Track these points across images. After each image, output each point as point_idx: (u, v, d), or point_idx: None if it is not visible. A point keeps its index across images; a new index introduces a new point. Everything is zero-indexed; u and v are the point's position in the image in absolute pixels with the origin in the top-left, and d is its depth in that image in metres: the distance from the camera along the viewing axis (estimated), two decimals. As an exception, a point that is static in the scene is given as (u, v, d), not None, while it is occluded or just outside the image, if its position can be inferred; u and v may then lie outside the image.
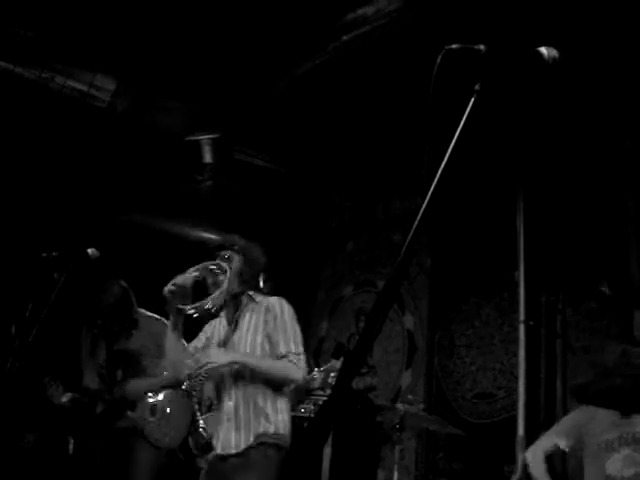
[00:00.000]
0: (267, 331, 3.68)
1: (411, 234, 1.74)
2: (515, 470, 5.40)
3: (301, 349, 3.67)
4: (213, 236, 6.85)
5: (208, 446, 3.88)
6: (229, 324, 3.87)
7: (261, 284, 4.01)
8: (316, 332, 7.46)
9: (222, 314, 3.94)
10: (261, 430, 3.56)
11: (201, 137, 5.84)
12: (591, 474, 4.22)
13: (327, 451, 5.60)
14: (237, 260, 3.88)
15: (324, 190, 7.57)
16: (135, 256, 6.18)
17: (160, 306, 4.56)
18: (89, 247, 3.96)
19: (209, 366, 3.49)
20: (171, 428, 4.50)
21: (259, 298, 3.84)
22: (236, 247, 3.91)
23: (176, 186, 6.58)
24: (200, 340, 3.96)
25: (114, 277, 4.74)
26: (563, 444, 4.44)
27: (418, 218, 1.77)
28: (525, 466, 5.26)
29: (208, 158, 6.13)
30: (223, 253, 3.87)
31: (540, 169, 5.83)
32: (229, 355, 3.58)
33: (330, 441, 5.49)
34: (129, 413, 4.47)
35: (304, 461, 1.55)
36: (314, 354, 7.13)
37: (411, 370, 6.51)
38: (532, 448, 4.59)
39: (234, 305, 3.86)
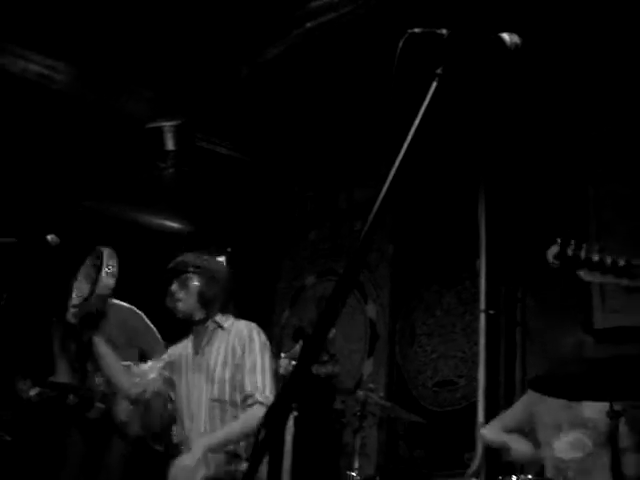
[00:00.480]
0: (236, 361, 3.48)
1: (370, 220, 1.73)
2: (475, 457, 5.46)
3: (269, 384, 3.47)
4: (175, 224, 6.81)
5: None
6: (195, 353, 3.65)
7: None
8: (278, 321, 7.45)
9: (189, 339, 3.76)
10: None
11: (163, 124, 5.79)
12: (543, 456, 4.29)
13: (288, 438, 5.60)
14: (195, 281, 3.67)
15: (286, 179, 7.55)
16: (97, 243, 6.11)
17: (127, 294, 4.54)
18: (49, 234, 3.88)
19: None
20: (143, 420, 4.46)
21: (227, 323, 3.63)
22: (191, 268, 3.69)
23: (138, 173, 6.52)
24: (161, 361, 3.81)
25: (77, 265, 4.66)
26: (516, 424, 4.52)
27: (377, 205, 1.77)
28: (485, 452, 5.34)
29: (170, 145, 6.09)
30: (181, 277, 3.67)
31: (502, 158, 5.87)
32: (193, 459, 3.26)
33: (292, 428, 5.48)
34: (98, 404, 4.43)
35: (266, 445, 1.54)
36: (277, 343, 7.12)
37: (373, 359, 6.54)
38: (488, 428, 4.66)
39: (199, 332, 3.66)
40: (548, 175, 5.74)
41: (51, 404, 4.46)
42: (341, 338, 6.47)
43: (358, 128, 6.38)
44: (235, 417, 3.45)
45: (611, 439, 3.55)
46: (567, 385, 3.58)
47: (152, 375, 3.72)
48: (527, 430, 4.44)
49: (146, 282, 3.84)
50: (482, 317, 5.66)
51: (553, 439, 4.30)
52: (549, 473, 4.13)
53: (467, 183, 6.05)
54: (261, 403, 3.35)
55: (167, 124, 5.82)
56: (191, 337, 3.70)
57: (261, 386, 3.40)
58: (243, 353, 3.46)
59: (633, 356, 3.57)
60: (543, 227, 5.70)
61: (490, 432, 4.63)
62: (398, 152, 1.76)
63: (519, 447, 4.29)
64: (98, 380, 4.44)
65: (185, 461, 3.27)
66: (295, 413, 5.72)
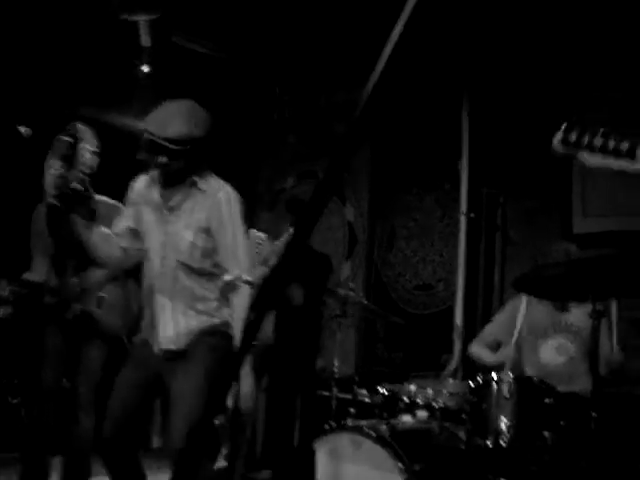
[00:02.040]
0: (212, 230, 3.27)
1: (353, 124, 1.64)
2: (451, 359, 5.54)
3: (249, 261, 3.36)
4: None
5: None
6: (168, 209, 3.34)
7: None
8: (257, 225, 7.38)
9: (146, 194, 3.43)
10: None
11: (139, 18, 5.57)
12: (527, 361, 4.35)
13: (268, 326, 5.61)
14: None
15: (265, 80, 7.38)
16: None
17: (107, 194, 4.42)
18: (20, 125, 3.72)
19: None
20: (118, 318, 4.42)
21: (205, 186, 3.32)
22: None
23: (113, 72, 6.32)
24: (122, 224, 3.51)
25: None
26: (501, 336, 4.57)
27: (360, 109, 1.67)
28: (462, 355, 5.40)
29: (146, 41, 5.87)
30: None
31: (487, 60, 5.74)
32: (248, 381, 3.19)
33: (273, 326, 5.49)
34: (75, 304, 4.38)
35: (255, 327, 1.50)
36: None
37: (351, 262, 6.54)
38: (474, 342, 4.70)
39: (172, 187, 3.34)
40: (533, 78, 5.63)
41: (27, 303, 4.40)
42: (319, 241, 6.43)
43: (341, 28, 6.19)
44: (197, 283, 3.32)
45: (592, 340, 3.57)
46: (551, 285, 3.59)
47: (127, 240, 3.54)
48: (509, 339, 4.49)
49: (122, 184, 3.69)
50: (462, 220, 5.65)
51: (538, 345, 4.35)
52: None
53: (450, 85, 5.94)
54: (249, 282, 3.28)
55: (142, 18, 5.59)
56: (158, 186, 3.39)
57: (245, 265, 3.30)
58: (221, 223, 3.28)
59: (615, 255, 3.58)
60: (526, 131, 5.63)
61: (474, 348, 4.67)
62: (381, 54, 1.66)
63: (497, 359, 4.37)
64: (74, 281, 4.38)
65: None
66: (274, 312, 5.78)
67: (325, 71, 7.07)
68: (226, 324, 3.30)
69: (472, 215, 5.65)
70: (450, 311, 5.76)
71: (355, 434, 3.54)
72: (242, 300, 3.25)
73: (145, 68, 6.29)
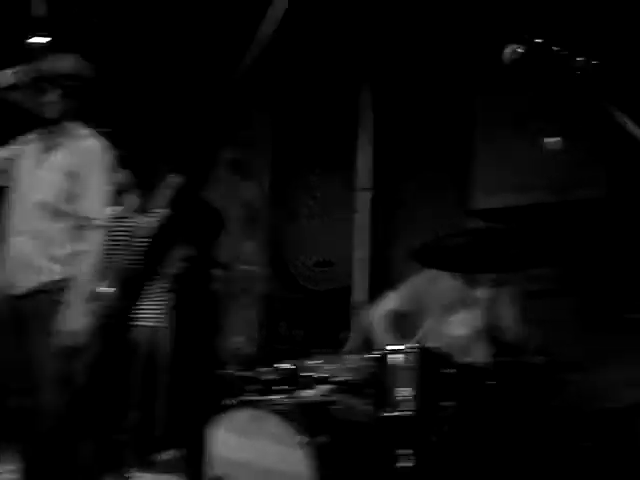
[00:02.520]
0: (80, 175, 3.36)
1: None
2: (351, 335, 5.54)
3: (104, 210, 3.44)
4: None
5: None
6: (39, 151, 3.46)
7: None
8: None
9: (32, 139, 3.52)
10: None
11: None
12: (431, 333, 4.37)
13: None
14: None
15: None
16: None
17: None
18: None
19: None
20: None
21: (78, 132, 3.46)
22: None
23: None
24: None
25: None
26: (403, 306, 4.57)
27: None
28: (363, 329, 5.41)
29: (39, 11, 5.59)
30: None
31: (390, 39, 5.73)
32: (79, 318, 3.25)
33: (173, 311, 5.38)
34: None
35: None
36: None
37: (252, 240, 6.45)
38: (374, 310, 4.70)
39: (49, 131, 3.45)
40: (434, 53, 5.66)
41: None
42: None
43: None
44: (57, 224, 3.35)
45: (492, 310, 3.62)
46: (450, 257, 3.61)
47: None
48: (416, 310, 4.51)
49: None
50: (363, 196, 5.64)
51: (445, 318, 4.39)
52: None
53: (351, 61, 5.91)
54: (100, 226, 3.36)
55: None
56: (39, 134, 3.50)
57: (102, 212, 3.40)
58: (89, 171, 3.37)
59: (516, 227, 3.63)
60: (428, 108, 5.68)
61: (373, 316, 4.67)
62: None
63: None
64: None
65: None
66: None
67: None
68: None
69: (372, 191, 5.66)
70: (350, 288, 5.76)
71: (256, 409, 3.49)
72: (91, 244, 3.33)
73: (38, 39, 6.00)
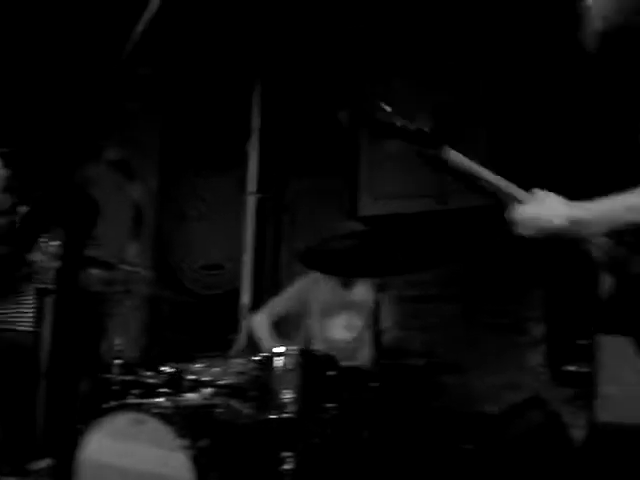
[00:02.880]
0: None
1: None
2: (238, 338, 5.52)
3: None
4: None
5: None
6: None
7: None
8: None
9: None
10: None
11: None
12: (316, 338, 4.42)
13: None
14: None
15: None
16: None
17: None
18: None
19: None
20: None
21: None
22: None
23: None
24: None
25: None
26: (286, 311, 4.60)
27: None
28: (248, 333, 5.40)
29: None
30: None
31: (278, 43, 5.75)
32: None
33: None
34: None
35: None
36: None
37: (137, 241, 6.33)
38: (258, 314, 4.70)
39: None
40: (321, 59, 5.71)
41: None
42: (104, 219, 6.18)
43: None
44: None
45: (374, 314, 3.67)
46: (336, 260, 3.64)
47: None
48: (301, 313, 4.54)
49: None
50: (251, 200, 5.64)
51: (326, 322, 4.43)
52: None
53: (241, 65, 5.89)
54: None
55: None
56: None
57: None
58: None
59: (400, 231, 3.69)
60: (314, 112, 5.72)
61: (257, 320, 4.68)
62: None
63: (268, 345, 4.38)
64: None
65: None
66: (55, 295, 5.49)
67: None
68: None
69: (260, 195, 5.66)
70: (237, 291, 5.73)
71: (136, 412, 3.41)
72: None
73: None
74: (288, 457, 3.39)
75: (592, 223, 1.88)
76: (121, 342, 4.48)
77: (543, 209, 1.97)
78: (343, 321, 4.44)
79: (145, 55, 5.41)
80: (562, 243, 2.04)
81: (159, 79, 6.08)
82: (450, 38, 5.29)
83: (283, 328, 4.82)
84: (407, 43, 5.43)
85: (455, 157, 2.04)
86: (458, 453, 4.41)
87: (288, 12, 5.55)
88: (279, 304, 4.68)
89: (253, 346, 5.26)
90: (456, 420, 5.05)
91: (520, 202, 2.01)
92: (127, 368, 4.31)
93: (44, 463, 5.17)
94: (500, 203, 2.05)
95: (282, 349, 3.57)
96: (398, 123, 2.00)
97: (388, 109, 2.05)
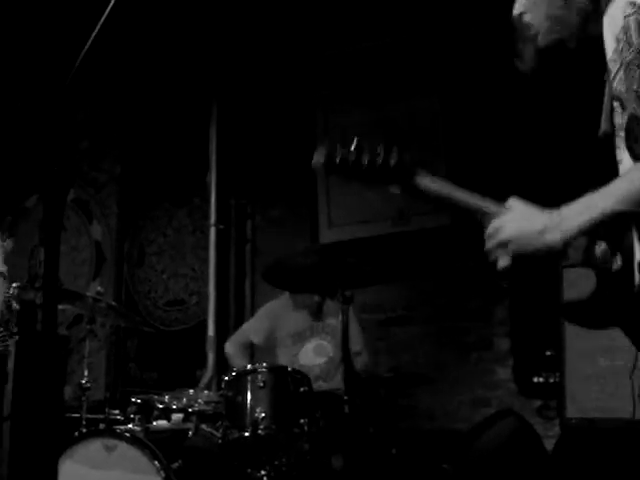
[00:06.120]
0: None
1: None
2: (205, 372, 5.48)
3: None
4: None
5: None
6: None
7: None
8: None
9: None
10: None
11: None
12: (285, 364, 4.39)
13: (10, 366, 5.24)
14: None
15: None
16: None
17: None
18: None
19: None
20: None
21: None
22: None
23: None
24: None
25: None
26: (256, 339, 4.60)
27: None
28: (215, 367, 5.37)
29: None
30: None
31: (235, 75, 5.82)
32: None
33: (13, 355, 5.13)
34: None
35: None
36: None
37: (99, 280, 6.29)
38: (229, 342, 4.69)
39: None
40: (279, 89, 5.80)
41: None
42: (66, 262, 6.14)
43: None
44: None
45: (343, 329, 3.66)
46: (298, 275, 3.66)
47: None
48: (270, 340, 4.53)
49: None
50: (212, 231, 5.64)
51: (296, 348, 4.43)
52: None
53: (198, 100, 5.94)
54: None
55: None
56: None
57: None
58: None
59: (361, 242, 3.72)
60: (273, 142, 5.78)
61: (230, 347, 4.66)
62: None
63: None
64: None
65: None
66: (16, 337, 5.40)
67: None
68: None
69: (221, 227, 5.67)
70: (203, 325, 5.70)
71: (108, 438, 3.36)
72: None
73: None
74: (263, 475, 3.37)
75: (571, 217, 1.80)
76: (87, 382, 4.42)
77: (525, 224, 1.86)
78: (313, 346, 4.45)
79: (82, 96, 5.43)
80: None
81: (112, 115, 6.09)
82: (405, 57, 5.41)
83: (252, 353, 4.82)
84: (363, 73, 5.54)
85: (428, 182, 1.96)
86: (434, 473, 4.40)
87: (241, 36, 5.61)
88: (247, 331, 4.68)
89: (220, 379, 5.24)
90: (428, 439, 5.05)
91: (497, 217, 1.90)
92: (93, 410, 4.24)
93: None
94: (475, 221, 1.95)
95: (252, 366, 3.57)
96: (365, 161, 1.93)
97: (354, 145, 1.97)
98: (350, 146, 1.93)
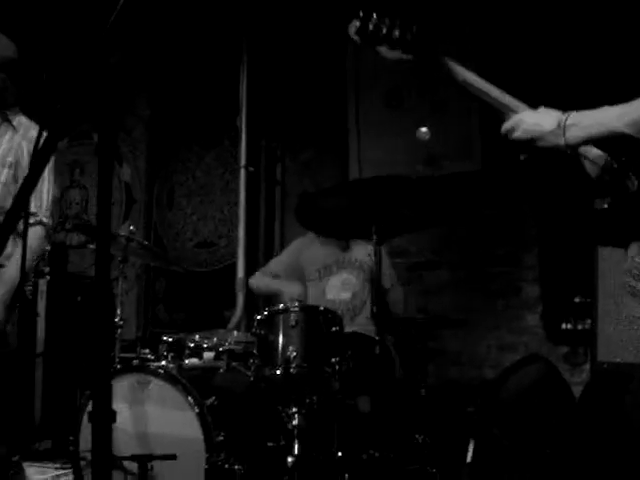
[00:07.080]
0: (21, 167, 3.15)
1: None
2: (235, 312, 5.51)
3: (48, 204, 3.24)
4: None
5: None
6: None
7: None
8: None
9: None
10: None
11: None
12: (312, 298, 4.41)
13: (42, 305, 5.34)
14: None
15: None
16: None
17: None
18: None
19: None
20: None
21: (16, 122, 3.21)
22: None
23: None
24: None
25: None
26: (283, 273, 4.59)
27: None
28: (244, 308, 5.41)
29: None
30: None
31: (266, 16, 5.74)
32: None
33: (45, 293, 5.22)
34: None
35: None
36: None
37: (129, 222, 6.32)
38: (254, 277, 4.71)
39: None
40: (309, 30, 5.71)
41: None
42: (94, 202, 6.18)
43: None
44: None
45: (374, 273, 3.67)
46: (330, 217, 3.65)
47: None
48: (294, 275, 4.54)
49: None
50: (242, 173, 5.61)
51: (323, 282, 4.43)
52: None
53: (228, 42, 5.88)
54: (44, 224, 3.21)
55: None
56: None
57: (45, 206, 3.23)
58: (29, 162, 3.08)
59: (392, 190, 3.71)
60: (303, 84, 5.73)
61: (257, 280, 4.68)
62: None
63: (290, 289, 4.36)
64: None
65: None
66: (47, 278, 5.47)
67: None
68: None
69: (251, 169, 5.65)
70: (232, 267, 5.72)
71: (141, 374, 3.41)
72: (32, 241, 3.09)
73: None
74: (294, 413, 3.40)
75: (579, 127, 1.96)
76: (120, 319, 4.47)
77: (537, 114, 2.05)
78: (339, 280, 4.43)
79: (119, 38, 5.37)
80: (556, 162, 2.11)
81: (141, 58, 6.05)
82: None
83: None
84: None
85: (454, 67, 2.10)
86: (461, 416, 4.43)
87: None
88: (274, 265, 4.69)
89: (250, 320, 5.28)
90: (455, 383, 5.09)
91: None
92: (125, 349, 4.30)
93: (46, 445, 5.16)
94: (498, 115, 2.11)
95: (284, 305, 3.59)
96: (408, 36, 2.05)
97: (399, 22, 2.09)
98: (384, 19, 2.06)
